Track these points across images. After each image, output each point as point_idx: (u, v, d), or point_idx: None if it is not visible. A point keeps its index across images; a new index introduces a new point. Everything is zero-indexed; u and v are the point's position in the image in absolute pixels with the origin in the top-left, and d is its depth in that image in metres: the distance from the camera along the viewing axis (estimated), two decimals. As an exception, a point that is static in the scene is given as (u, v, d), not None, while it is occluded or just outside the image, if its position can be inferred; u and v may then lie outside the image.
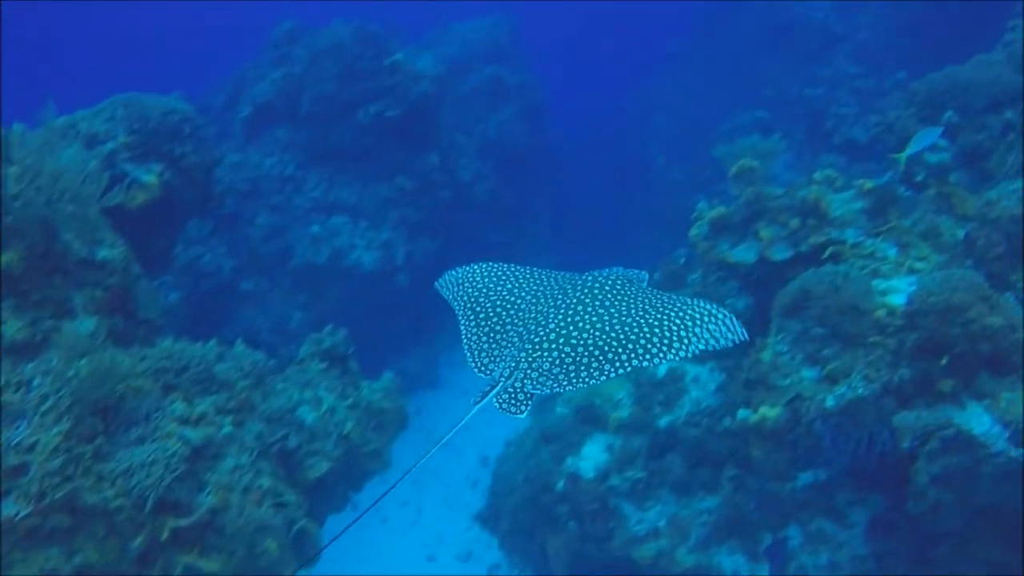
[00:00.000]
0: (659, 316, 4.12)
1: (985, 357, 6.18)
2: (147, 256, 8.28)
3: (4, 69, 24.75)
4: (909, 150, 7.67)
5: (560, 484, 8.28)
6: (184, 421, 5.48)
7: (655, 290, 4.45)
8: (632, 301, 4.28)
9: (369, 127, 13.63)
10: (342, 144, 13.81)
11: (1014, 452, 5.88)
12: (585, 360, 3.99)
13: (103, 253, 6.65)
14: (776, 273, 7.41)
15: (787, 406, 6.42)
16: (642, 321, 4.10)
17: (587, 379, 3.98)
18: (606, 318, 4.15)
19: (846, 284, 6.50)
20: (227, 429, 5.68)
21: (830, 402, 6.29)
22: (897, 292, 6.59)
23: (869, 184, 7.36)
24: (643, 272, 4.76)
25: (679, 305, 4.19)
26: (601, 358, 3.99)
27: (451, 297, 4.81)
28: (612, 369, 3.96)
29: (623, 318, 4.14)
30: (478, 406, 3.96)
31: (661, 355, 3.96)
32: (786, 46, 20.84)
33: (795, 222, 7.24)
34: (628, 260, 5.36)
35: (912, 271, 6.83)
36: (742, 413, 6.65)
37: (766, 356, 6.66)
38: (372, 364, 14.09)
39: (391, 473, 7.54)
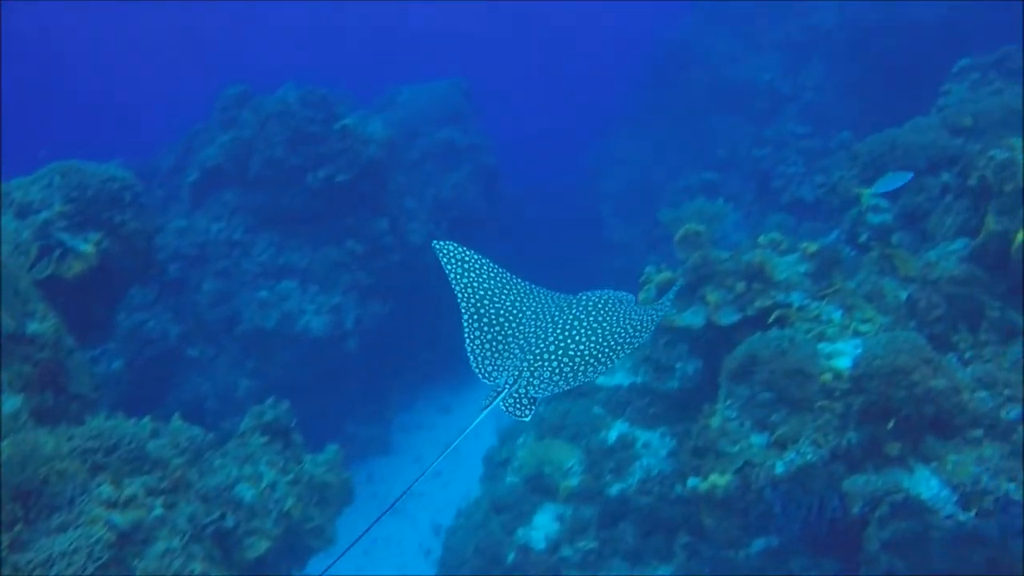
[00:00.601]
0: (638, 317, 4.78)
1: (930, 419, 6.18)
2: (85, 326, 8.07)
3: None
4: (875, 189, 7.77)
5: (511, 556, 8.08)
6: (111, 505, 5.23)
7: (641, 308, 4.94)
8: (621, 318, 4.78)
9: (319, 191, 13.55)
10: (292, 208, 13.69)
11: (963, 516, 5.85)
12: (581, 368, 4.47)
13: (33, 327, 6.42)
14: (724, 337, 7.39)
15: (737, 473, 6.33)
16: (628, 327, 4.70)
17: (582, 379, 4.47)
18: (599, 332, 4.64)
19: (792, 348, 6.49)
20: (158, 511, 5.44)
21: (779, 468, 6.22)
22: (843, 355, 6.59)
23: (813, 247, 7.40)
24: (630, 295, 5.18)
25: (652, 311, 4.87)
26: (595, 363, 4.49)
27: (451, 271, 5.06)
28: (604, 368, 4.51)
29: (614, 331, 4.67)
30: (486, 410, 4.28)
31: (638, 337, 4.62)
32: (735, 107, 21.29)
33: (741, 286, 7.24)
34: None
35: (857, 334, 6.84)
36: (692, 482, 6.55)
37: (715, 422, 6.59)
38: (322, 430, 13.87)
39: (337, 548, 7.32)
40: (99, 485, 5.34)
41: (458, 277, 5.04)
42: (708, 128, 21.42)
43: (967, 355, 6.71)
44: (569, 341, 4.56)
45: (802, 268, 7.35)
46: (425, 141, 17.19)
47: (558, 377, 4.42)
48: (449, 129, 17.56)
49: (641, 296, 7.90)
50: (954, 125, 9.62)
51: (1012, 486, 5.84)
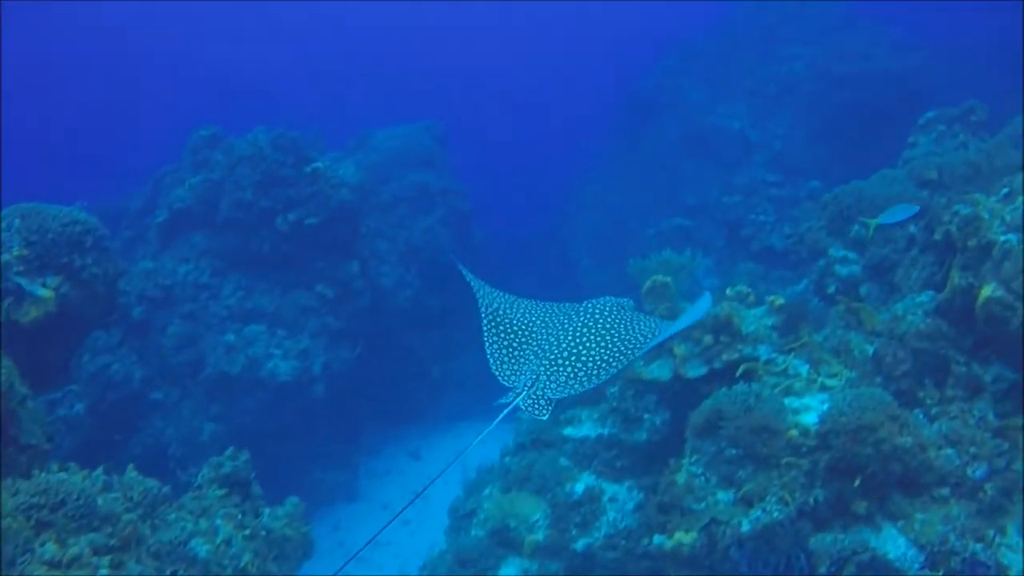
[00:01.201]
0: (647, 328, 5.27)
1: (897, 477, 6.13)
2: (42, 371, 7.88)
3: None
4: (880, 220, 7.77)
5: (475, 612, 7.91)
6: (54, 565, 5.04)
7: (641, 314, 5.48)
8: (626, 324, 5.29)
9: (289, 234, 13.44)
10: (261, 251, 13.56)
11: (930, 577, 5.78)
12: (594, 371, 4.97)
13: (-18, 376, 6.24)
14: (692, 389, 7.33)
15: (703, 531, 6.23)
16: (636, 334, 5.18)
17: (596, 383, 4.99)
18: (608, 337, 5.15)
19: (759, 404, 6.43)
20: (104, 572, 5.24)
21: (745, 527, 6.13)
22: (809, 411, 6.55)
23: (780, 300, 7.39)
24: (629, 299, 5.77)
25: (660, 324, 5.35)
26: (605, 367, 4.99)
27: (476, 287, 5.89)
28: (614, 369, 5.00)
29: (622, 337, 5.16)
30: (507, 409, 4.82)
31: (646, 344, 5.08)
32: (706, 153, 21.48)
33: (708, 339, 7.20)
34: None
35: (824, 388, 6.81)
36: (657, 539, 6.43)
37: (680, 478, 6.50)
38: (288, 476, 13.64)
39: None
40: (43, 544, 5.14)
41: (481, 291, 5.86)
42: (680, 174, 21.58)
43: (933, 411, 6.69)
44: (580, 347, 5.09)
45: (769, 321, 7.33)
46: (397, 184, 17.15)
47: (573, 380, 4.94)
48: (421, 172, 17.56)
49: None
50: (920, 177, 9.73)
51: (979, 546, 5.79)
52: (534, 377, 4.94)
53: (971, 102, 12.02)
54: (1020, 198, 7.16)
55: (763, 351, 7.14)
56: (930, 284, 7.77)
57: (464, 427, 16.62)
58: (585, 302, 5.65)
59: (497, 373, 5.24)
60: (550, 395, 4.86)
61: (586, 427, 8.57)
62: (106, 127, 34.92)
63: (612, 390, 8.82)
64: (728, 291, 7.66)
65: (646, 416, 8.11)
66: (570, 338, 5.16)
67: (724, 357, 7.11)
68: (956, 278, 7.07)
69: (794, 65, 22.13)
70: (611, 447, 8.18)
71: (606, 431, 8.26)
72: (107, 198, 18.57)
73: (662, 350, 7.47)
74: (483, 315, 5.67)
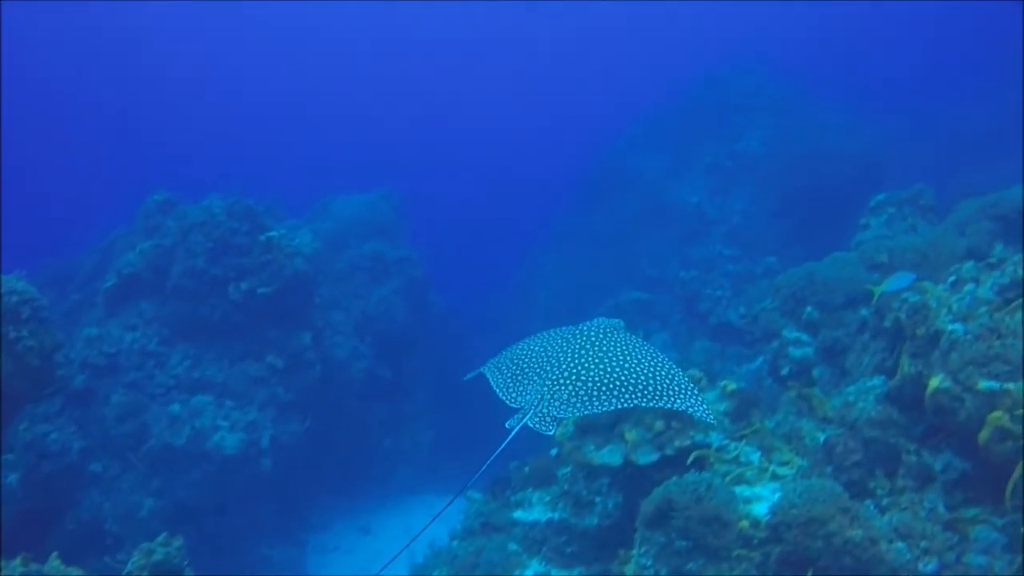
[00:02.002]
0: (648, 371, 5.60)
1: (848, 570, 6.00)
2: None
3: None
4: (884, 288, 7.73)
5: None
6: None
7: (633, 338, 5.91)
8: (621, 348, 5.67)
9: (240, 303, 13.19)
10: (211, 320, 13.27)
11: (883, 676, 5.62)
12: (595, 392, 5.33)
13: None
14: (643, 475, 7.19)
15: (651, 627, 6.04)
16: (638, 370, 5.55)
17: (597, 407, 5.31)
18: (605, 360, 5.52)
19: (709, 493, 6.29)
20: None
21: (695, 622, 5.95)
22: (761, 500, 6.44)
23: (732, 386, 7.32)
24: (620, 321, 6.28)
25: (664, 368, 5.70)
26: (606, 391, 5.34)
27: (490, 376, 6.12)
28: (615, 402, 5.33)
29: (620, 362, 5.53)
30: (517, 428, 5.17)
31: (651, 402, 5.42)
32: (665, 226, 21.73)
33: (660, 424, 7.08)
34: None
35: (775, 477, 6.72)
36: (605, 635, 6.22)
37: (629, 570, 6.32)
38: (232, 553, 13.18)
39: None
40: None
41: (488, 373, 6.14)
42: (639, 246, 21.76)
43: (884, 502, 6.61)
44: (580, 367, 5.52)
45: (721, 407, 7.25)
46: (354, 253, 17.03)
47: (575, 399, 5.31)
48: (378, 241, 17.47)
49: (558, 433, 7.68)
50: (871, 261, 9.83)
51: (931, 645, 5.66)
52: (539, 397, 5.30)
53: (919, 186, 12.24)
54: (967, 287, 7.23)
55: (715, 438, 7.05)
56: (881, 370, 7.78)
57: (415, 501, 16.28)
58: (580, 324, 6.09)
59: (503, 397, 5.61)
60: (555, 413, 5.23)
61: (536, 510, 8.38)
62: (70, 187, 34.64)
63: (564, 471, 8.67)
64: (692, 372, 7.57)
65: (598, 499, 7.95)
66: (570, 359, 5.57)
67: (676, 443, 6.98)
68: (906, 366, 7.07)
69: (751, 142, 22.61)
70: (561, 532, 7.97)
71: (556, 515, 8.06)
72: (59, 259, 18.26)
73: (612, 434, 7.33)
74: (488, 373, 6.13)
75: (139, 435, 12.55)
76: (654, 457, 7.09)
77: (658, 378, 5.60)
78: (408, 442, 17.25)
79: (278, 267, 13.20)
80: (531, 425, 5.20)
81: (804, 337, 9.49)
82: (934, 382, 6.42)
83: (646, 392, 5.46)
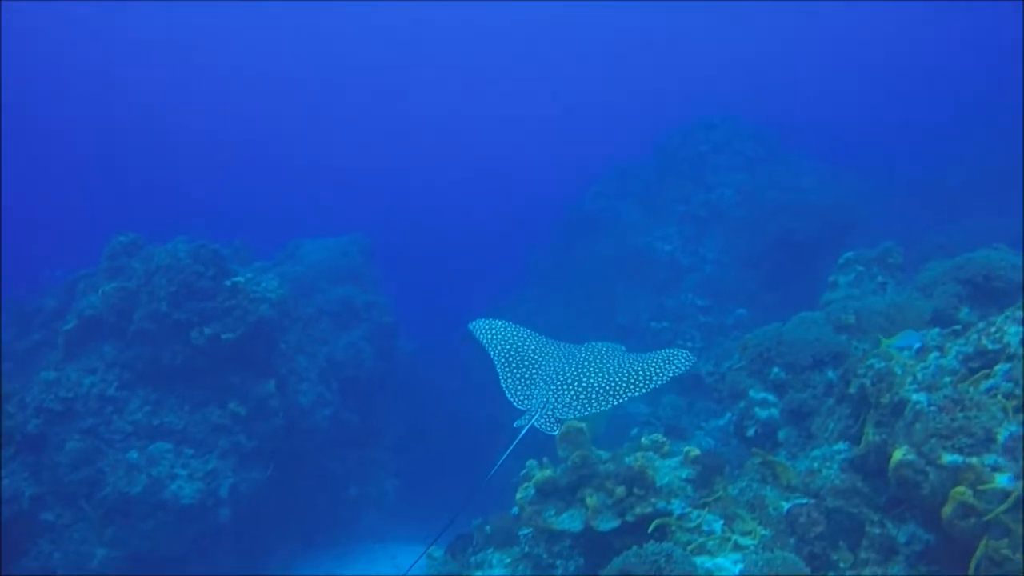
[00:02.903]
0: (638, 366, 6.17)
1: (811, 648, 5.87)
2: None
3: None
4: (894, 343, 7.62)
5: None
6: None
7: (631, 354, 6.48)
8: (619, 360, 6.26)
9: (203, 349, 12.93)
10: (173, 365, 12.99)
11: None
12: (594, 396, 5.84)
13: None
14: (604, 542, 7.03)
15: None
16: (628, 370, 6.08)
17: (596, 407, 5.82)
18: (605, 369, 6.06)
19: (669, 565, 6.14)
20: None
21: None
22: (722, 572, 6.30)
23: (695, 452, 7.20)
24: (621, 345, 6.88)
25: (650, 359, 6.25)
26: (604, 394, 5.86)
27: (485, 341, 6.78)
28: (612, 400, 5.88)
29: (617, 369, 6.09)
30: (525, 428, 5.70)
31: (641, 389, 5.96)
32: (638, 275, 21.74)
33: (621, 490, 6.95)
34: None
35: (737, 547, 6.58)
36: None
37: (587, 645, 6.13)
38: (188, 606, 12.78)
39: None
40: None
41: (489, 340, 6.77)
42: (612, 293, 21.72)
43: (847, 575, 6.49)
44: (581, 376, 6.04)
45: (684, 473, 7.12)
46: (322, 297, 16.85)
47: (576, 403, 5.82)
48: (347, 286, 17.32)
49: (519, 495, 7.53)
50: (838, 322, 9.78)
51: None
52: (544, 401, 5.80)
53: (887, 244, 12.28)
54: (932, 355, 7.19)
55: (677, 505, 6.91)
56: (846, 436, 7.70)
57: (379, 550, 15.97)
58: (587, 343, 6.78)
59: (512, 399, 6.09)
60: (559, 415, 5.75)
61: (496, 572, 8.19)
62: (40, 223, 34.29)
63: (525, 532, 8.49)
64: (644, 439, 7.46)
65: (559, 563, 7.80)
66: (573, 369, 6.10)
67: (637, 511, 6.84)
68: (870, 434, 7.00)
69: (724, 192, 22.76)
70: (521, 597, 7.79)
71: (517, 578, 7.88)
72: (23, 295, 17.93)
73: (574, 499, 7.19)
74: (496, 359, 6.63)
75: (94, 483, 12.21)
76: (615, 524, 6.95)
77: (647, 366, 6.17)
78: (374, 489, 16.97)
79: (243, 313, 12.99)
80: (537, 426, 5.70)
81: (771, 398, 9.40)
82: (898, 454, 6.33)
83: (639, 381, 6.05)
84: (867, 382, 7.27)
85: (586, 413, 5.87)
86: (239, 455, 13.13)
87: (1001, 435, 6.03)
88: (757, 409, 9.42)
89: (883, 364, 7.27)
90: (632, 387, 6.05)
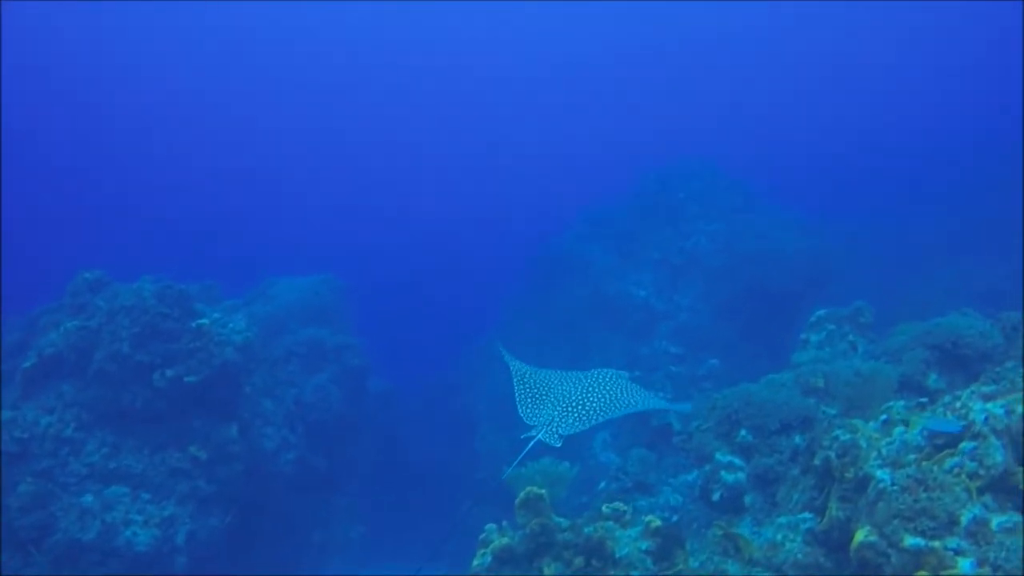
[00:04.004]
0: (638, 395, 7.14)
1: None
2: None
3: None
4: (930, 425, 7.45)
5: None
6: None
7: (634, 384, 7.34)
8: (622, 388, 7.08)
9: (165, 391, 12.66)
10: (133, 407, 12.70)
11: None
12: (593, 416, 6.70)
13: None
14: (561, 613, 6.85)
15: None
16: (629, 396, 7.02)
17: (594, 422, 6.78)
18: (606, 393, 6.92)
19: (625, 644, 5.99)
20: None
21: None
22: (680, 652, 6.14)
23: (656, 522, 7.06)
24: (624, 372, 7.64)
25: (642, 393, 7.21)
26: (602, 412, 6.73)
27: (509, 360, 7.82)
28: (609, 414, 6.81)
29: (618, 395, 6.95)
30: (533, 441, 6.56)
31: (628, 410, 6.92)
32: (612, 320, 21.67)
33: (579, 561, 6.78)
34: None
35: (697, 625, 6.43)
36: None
37: None
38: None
39: None
40: None
41: (512, 360, 7.80)
42: (586, 338, 21.63)
43: (808, 656, 6.34)
44: (585, 399, 6.83)
45: (644, 545, 6.97)
46: (291, 339, 16.62)
47: (578, 422, 6.65)
48: (317, 327, 17.10)
49: (475, 562, 7.33)
50: (807, 385, 9.72)
51: None
52: (550, 419, 6.57)
53: (859, 304, 12.27)
54: (897, 429, 7.10)
55: (635, 579, 6.75)
56: (811, 508, 7.57)
57: (342, 596, 15.68)
58: (592, 370, 7.57)
59: (523, 415, 6.84)
60: (562, 432, 6.51)
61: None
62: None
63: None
64: (605, 508, 7.31)
65: (516, 631, 7.58)
66: (578, 393, 6.88)
67: (595, 583, 6.68)
68: (834, 509, 6.88)
69: (699, 239, 22.79)
70: (476, 667, 7.55)
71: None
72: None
73: (531, 569, 7.01)
74: (514, 377, 7.51)
75: (44, 528, 11.85)
76: (573, 597, 6.78)
77: (643, 396, 7.05)
78: (339, 535, 16.66)
79: (207, 356, 12.74)
80: (542, 439, 6.49)
81: (737, 461, 9.28)
82: (860, 535, 6.21)
83: (632, 404, 6.93)
84: (832, 455, 7.16)
85: (587, 427, 6.74)
86: (198, 501, 12.82)
87: (964, 518, 5.93)
88: (723, 473, 9.29)
89: (848, 436, 7.16)
90: (621, 409, 6.98)
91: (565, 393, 7.16)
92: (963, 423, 6.94)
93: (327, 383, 16.26)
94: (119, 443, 12.76)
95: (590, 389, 7.07)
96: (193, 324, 12.79)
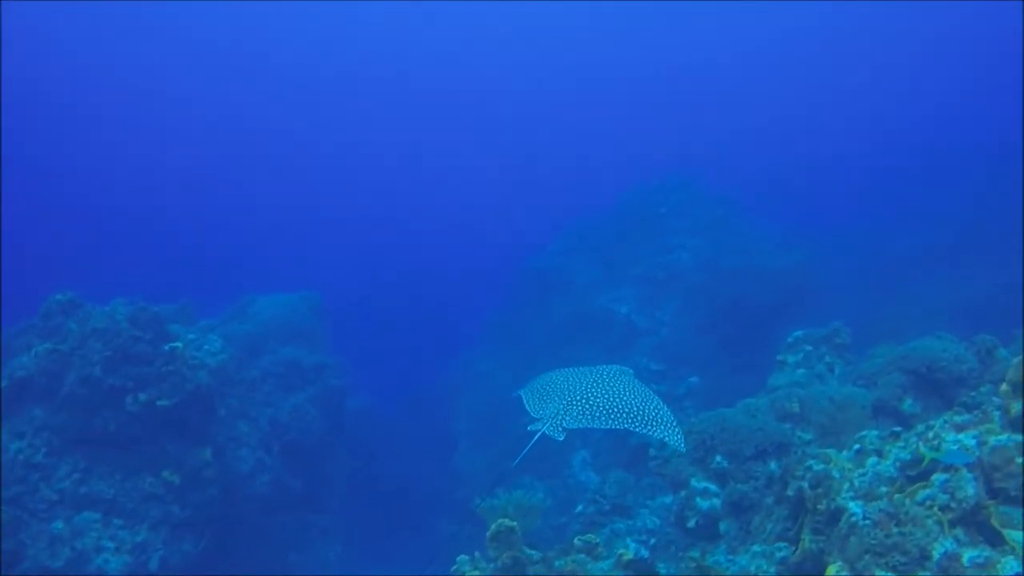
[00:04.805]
0: (642, 404, 6.96)
1: None
2: None
3: None
4: (940, 457, 7.37)
5: None
6: None
7: (637, 382, 7.41)
8: (625, 386, 7.12)
9: (138, 415, 12.47)
10: (105, 431, 12.48)
11: None
12: (598, 413, 6.70)
13: None
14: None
15: None
16: (633, 403, 6.90)
17: (598, 424, 6.72)
18: (611, 391, 6.95)
19: None
20: None
21: None
22: None
23: (628, 555, 7.00)
24: (629, 369, 7.71)
25: (654, 403, 7.06)
26: (606, 413, 6.73)
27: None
28: (611, 422, 6.72)
29: (621, 394, 6.95)
30: (539, 433, 6.56)
31: (637, 427, 6.75)
32: (593, 336, 21.58)
33: (550, 597, 6.70)
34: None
35: (668, 661, 6.35)
36: None
37: None
38: None
39: None
40: None
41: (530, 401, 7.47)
42: (565, 356, 21.50)
43: None
44: (589, 394, 6.87)
45: (615, 578, 6.90)
46: (269, 359, 16.43)
47: (582, 416, 6.67)
48: (296, 346, 16.93)
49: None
50: (783, 410, 9.69)
51: None
52: (555, 412, 6.69)
53: (835, 324, 12.27)
54: (870, 460, 7.06)
55: (607, 614, 6.67)
56: (784, 538, 7.52)
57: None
58: (599, 366, 7.64)
59: (530, 409, 6.94)
60: (566, 425, 6.57)
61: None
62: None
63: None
64: (576, 540, 7.23)
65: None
66: (583, 388, 6.97)
67: (565, 620, 6.59)
68: (807, 541, 6.82)
69: (681, 254, 22.78)
70: None
71: None
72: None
73: (503, 603, 6.93)
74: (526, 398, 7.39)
75: (13, 556, 11.65)
76: (542, 634, 6.69)
77: (647, 410, 6.88)
78: (316, 556, 16.48)
79: (180, 379, 12.56)
80: (547, 432, 6.52)
81: (712, 487, 9.24)
82: (831, 570, 6.15)
83: (635, 419, 6.76)
84: (805, 485, 7.11)
85: (589, 426, 6.72)
86: (171, 526, 12.63)
87: (936, 552, 5.89)
88: (698, 499, 9.25)
89: (822, 467, 7.12)
90: (629, 421, 6.83)
91: (570, 388, 7.21)
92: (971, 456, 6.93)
93: (304, 403, 16.10)
94: (90, 468, 12.57)
95: (594, 386, 7.08)
96: (166, 347, 12.62)
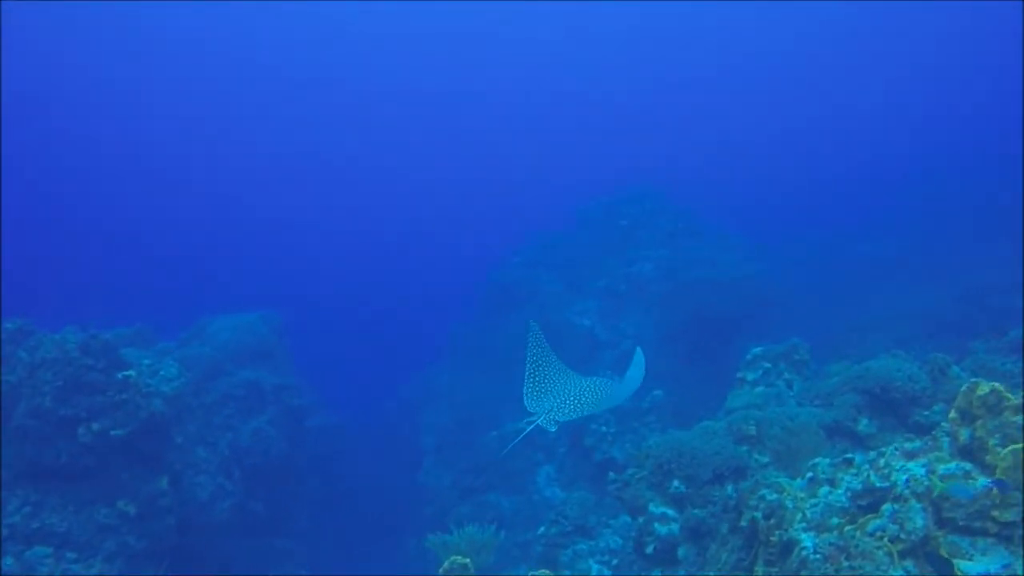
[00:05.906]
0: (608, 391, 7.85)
1: None
2: None
3: None
4: (946, 490, 7.33)
5: None
6: None
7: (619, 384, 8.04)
8: (609, 388, 7.86)
9: (91, 446, 12.22)
10: (57, 463, 12.21)
11: None
12: (584, 408, 7.48)
13: None
14: None
15: None
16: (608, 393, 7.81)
17: (586, 412, 7.56)
18: (596, 392, 7.67)
19: None
20: None
21: None
22: None
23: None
24: (617, 377, 8.40)
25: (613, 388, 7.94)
26: (593, 404, 7.57)
27: (530, 343, 8.23)
28: (596, 408, 7.70)
29: (606, 392, 7.76)
30: (532, 425, 7.30)
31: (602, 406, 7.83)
32: (557, 348, 21.45)
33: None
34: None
35: None
36: None
37: None
38: None
39: None
40: None
41: (533, 344, 8.20)
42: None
43: None
44: (580, 395, 7.58)
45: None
46: (227, 381, 16.19)
47: (572, 412, 7.43)
48: (255, 367, 16.71)
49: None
50: (739, 433, 9.69)
51: None
52: (549, 407, 7.39)
53: (793, 341, 12.32)
54: (822, 489, 7.08)
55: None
56: (739, 567, 7.51)
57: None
58: (592, 376, 8.27)
59: (527, 403, 7.62)
60: (558, 418, 7.28)
61: None
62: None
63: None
64: (529, 574, 7.17)
65: None
66: (575, 389, 7.65)
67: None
68: (760, 573, 6.83)
69: (644, 266, 22.82)
70: None
71: None
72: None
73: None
74: (528, 362, 8.10)
75: (-37, 594, 11.38)
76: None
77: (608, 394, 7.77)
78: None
79: (134, 408, 12.33)
80: (541, 424, 7.22)
81: (670, 512, 9.22)
82: (785, 605, 6.16)
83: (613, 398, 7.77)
84: (759, 515, 7.10)
85: (580, 416, 7.48)
86: (126, 557, 12.39)
87: (886, 586, 5.90)
88: (656, 525, 9.22)
89: (775, 496, 7.12)
90: (598, 405, 7.69)
91: (565, 388, 7.87)
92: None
93: (265, 426, 15.90)
94: (41, 501, 12.29)
95: (583, 388, 7.76)
96: (119, 375, 12.39)
